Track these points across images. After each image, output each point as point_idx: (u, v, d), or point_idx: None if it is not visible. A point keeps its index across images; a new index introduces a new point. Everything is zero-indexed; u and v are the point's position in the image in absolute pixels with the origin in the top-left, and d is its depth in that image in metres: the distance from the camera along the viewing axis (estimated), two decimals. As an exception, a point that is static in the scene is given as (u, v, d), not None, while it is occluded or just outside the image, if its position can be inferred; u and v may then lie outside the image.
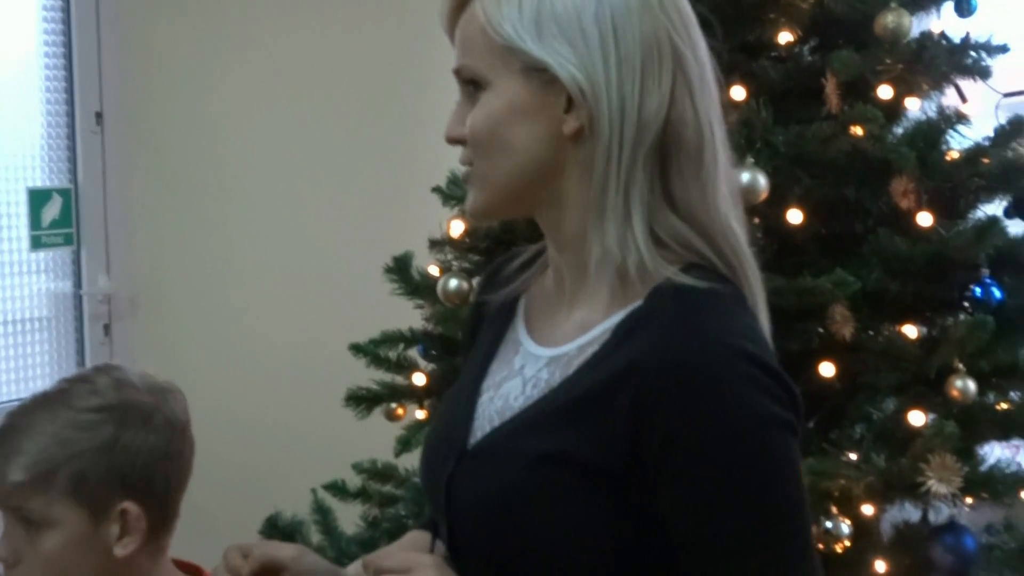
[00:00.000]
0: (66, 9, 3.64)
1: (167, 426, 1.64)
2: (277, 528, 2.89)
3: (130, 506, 1.60)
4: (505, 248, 2.51)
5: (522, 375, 1.29)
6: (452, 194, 2.62)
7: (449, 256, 2.65)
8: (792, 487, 1.17)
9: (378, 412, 2.78)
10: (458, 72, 1.27)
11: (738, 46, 2.40)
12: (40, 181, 3.60)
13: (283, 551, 1.34)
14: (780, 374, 1.18)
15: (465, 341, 1.49)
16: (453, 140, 1.28)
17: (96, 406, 1.61)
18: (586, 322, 1.26)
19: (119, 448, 1.59)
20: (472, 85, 1.25)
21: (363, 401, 2.77)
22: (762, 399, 1.15)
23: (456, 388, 1.39)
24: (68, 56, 3.65)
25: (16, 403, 1.68)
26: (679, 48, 1.23)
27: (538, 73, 1.21)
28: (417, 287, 2.72)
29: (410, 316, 2.78)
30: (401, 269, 2.74)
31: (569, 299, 1.29)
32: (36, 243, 3.56)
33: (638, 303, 1.22)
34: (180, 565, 1.74)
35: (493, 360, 1.35)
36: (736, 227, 1.26)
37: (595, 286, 1.25)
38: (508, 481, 1.21)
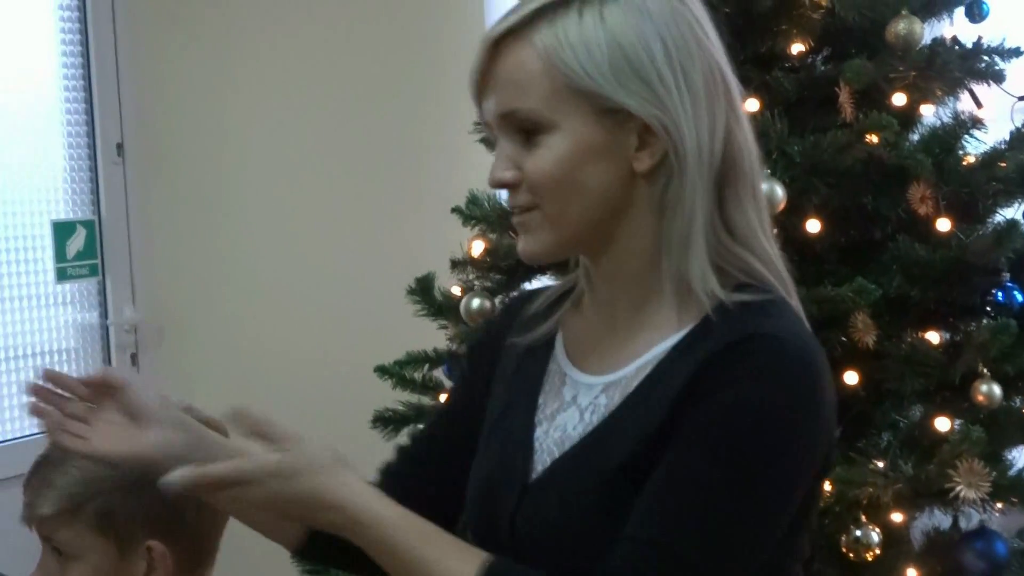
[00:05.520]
0: (84, 43, 3.66)
1: None
2: (308, 551, 2.90)
3: (155, 544, 1.62)
4: (525, 268, 2.53)
5: (577, 404, 1.30)
6: (471, 214, 2.63)
7: (471, 276, 2.67)
8: (785, 480, 1.18)
9: (405, 433, 2.79)
10: (509, 116, 1.24)
11: (751, 58, 2.41)
12: (64, 214, 3.62)
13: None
14: (828, 377, 1.21)
15: (472, 367, 1.47)
16: (502, 185, 1.27)
17: None
18: (645, 346, 1.27)
19: (146, 486, 1.60)
20: (526, 128, 1.24)
21: (390, 423, 2.78)
22: (808, 391, 1.18)
23: (500, 423, 1.37)
24: (88, 89, 3.67)
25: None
26: (727, 77, 1.26)
27: (612, 114, 1.22)
28: (440, 307, 2.74)
29: (434, 337, 2.80)
30: (424, 290, 2.76)
31: (624, 331, 1.29)
32: (62, 275, 3.58)
33: (694, 324, 1.24)
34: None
35: (539, 394, 1.34)
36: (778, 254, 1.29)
37: (656, 314, 1.27)
38: (578, 503, 1.22)
